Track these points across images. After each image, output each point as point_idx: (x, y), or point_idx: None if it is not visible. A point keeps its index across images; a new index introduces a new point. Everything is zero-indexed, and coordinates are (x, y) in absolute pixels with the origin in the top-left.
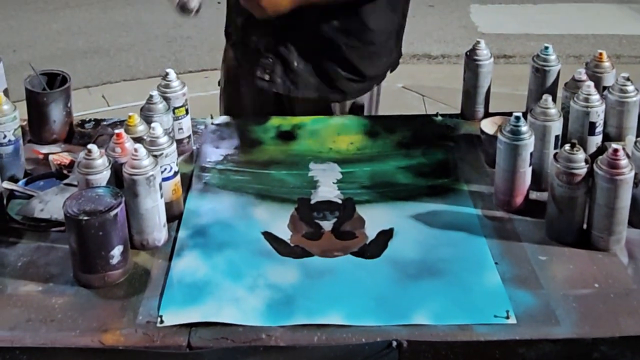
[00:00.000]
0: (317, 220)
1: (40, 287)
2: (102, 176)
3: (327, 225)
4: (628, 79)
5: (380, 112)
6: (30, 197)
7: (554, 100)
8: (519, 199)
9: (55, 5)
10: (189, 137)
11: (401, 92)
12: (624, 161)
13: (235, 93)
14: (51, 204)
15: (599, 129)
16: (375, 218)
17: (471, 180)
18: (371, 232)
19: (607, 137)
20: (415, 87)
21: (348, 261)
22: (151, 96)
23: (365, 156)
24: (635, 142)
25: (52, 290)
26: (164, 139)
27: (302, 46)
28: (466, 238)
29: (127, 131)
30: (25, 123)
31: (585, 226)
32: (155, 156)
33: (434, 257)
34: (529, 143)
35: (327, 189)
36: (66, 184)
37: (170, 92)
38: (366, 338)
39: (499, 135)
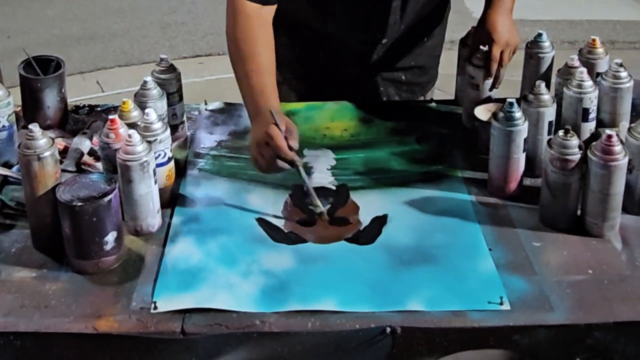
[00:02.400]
0: (311, 207)
1: (34, 273)
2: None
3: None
4: (621, 65)
5: None
6: None
7: (548, 86)
8: (513, 185)
9: None
10: (182, 123)
11: None
12: (617, 147)
13: None
14: None
15: (593, 115)
16: (369, 204)
17: (465, 167)
18: (365, 218)
19: (600, 123)
20: None
21: (342, 247)
22: (145, 82)
23: (359, 142)
24: (629, 128)
25: (46, 277)
26: (158, 125)
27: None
28: (460, 224)
29: (121, 117)
30: (19, 109)
31: (579, 212)
32: (149, 142)
33: (427, 243)
34: (522, 129)
35: (321, 175)
36: (61, 170)
37: (165, 78)
38: (360, 324)
39: (493, 122)
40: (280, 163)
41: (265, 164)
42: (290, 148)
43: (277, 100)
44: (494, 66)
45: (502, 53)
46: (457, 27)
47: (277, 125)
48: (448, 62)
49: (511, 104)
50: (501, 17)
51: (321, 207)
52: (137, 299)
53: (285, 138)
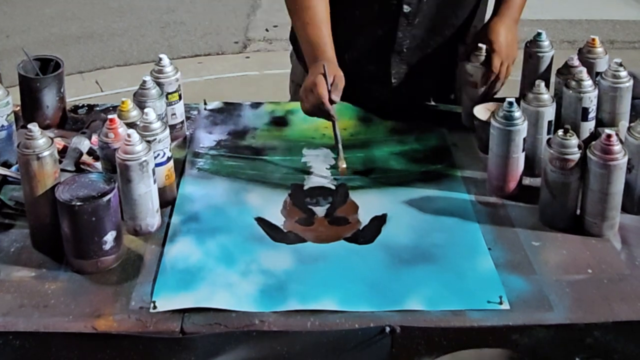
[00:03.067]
0: (310, 206)
1: (33, 272)
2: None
3: (320, 211)
4: (621, 65)
5: None
6: None
7: (547, 85)
8: (512, 185)
9: None
10: (182, 122)
11: None
12: (617, 147)
13: None
14: None
15: (592, 114)
16: (368, 204)
17: (464, 166)
18: (364, 217)
19: (600, 123)
20: None
21: (341, 247)
22: (144, 81)
23: (358, 142)
24: (629, 128)
25: (45, 276)
26: (157, 125)
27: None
28: (459, 224)
29: (120, 116)
30: (18, 108)
31: (578, 212)
32: (148, 141)
33: (427, 242)
34: (522, 129)
35: (321, 175)
36: (60, 169)
37: (164, 78)
38: (359, 324)
39: (492, 121)
40: (318, 112)
41: (309, 108)
42: (332, 101)
43: (331, 51)
44: (492, 77)
45: (500, 65)
46: None
47: (325, 76)
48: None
49: (510, 103)
50: (505, 28)
51: (343, 163)
52: (137, 299)
53: (330, 92)
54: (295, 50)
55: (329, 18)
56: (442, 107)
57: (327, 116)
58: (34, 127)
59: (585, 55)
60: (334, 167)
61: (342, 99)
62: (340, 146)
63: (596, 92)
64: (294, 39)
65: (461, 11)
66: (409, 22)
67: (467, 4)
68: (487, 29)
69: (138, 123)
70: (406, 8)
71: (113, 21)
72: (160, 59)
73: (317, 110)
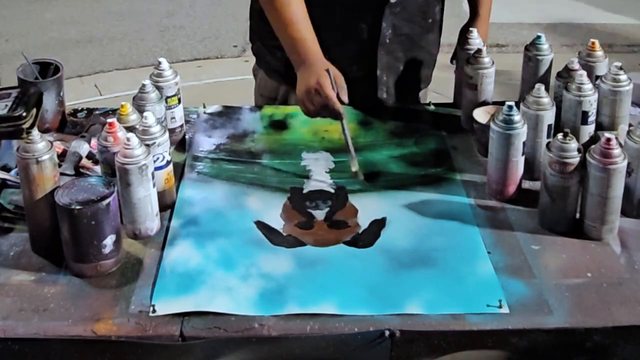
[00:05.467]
0: (309, 210)
1: (32, 276)
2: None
3: (319, 214)
4: (621, 68)
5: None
6: None
7: (547, 89)
8: (512, 188)
9: None
10: (181, 126)
11: None
12: (616, 150)
13: None
14: None
15: (592, 118)
16: (367, 207)
17: (464, 170)
18: (364, 221)
19: (599, 127)
20: None
21: (341, 250)
22: (144, 85)
23: (358, 145)
24: (628, 131)
25: (44, 280)
26: (156, 128)
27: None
28: (459, 227)
29: (119, 120)
30: None
31: (578, 215)
32: (147, 145)
33: (426, 246)
34: (521, 132)
35: (320, 178)
36: (59, 173)
37: (163, 82)
38: (359, 327)
39: (492, 125)
40: (325, 112)
41: (314, 110)
42: (341, 102)
43: (318, 48)
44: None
45: None
46: (455, 30)
47: (330, 75)
48: (446, 64)
49: (510, 107)
50: (483, 26)
51: (357, 165)
52: (136, 303)
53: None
54: (261, 63)
55: (308, 17)
56: (441, 110)
57: (336, 115)
58: (33, 131)
59: (585, 59)
60: (334, 170)
61: None
62: (351, 147)
63: (596, 95)
64: (260, 52)
65: (437, 7)
66: (391, 11)
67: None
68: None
69: (137, 127)
70: None
71: (112, 25)
72: (160, 63)
73: (324, 111)
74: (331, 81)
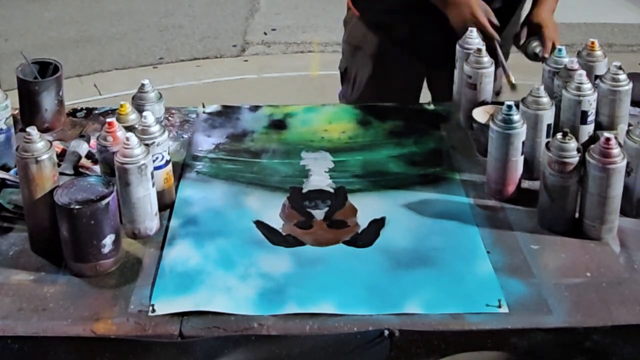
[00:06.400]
0: (309, 209)
1: (32, 276)
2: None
3: (319, 214)
4: (620, 68)
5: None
6: None
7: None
8: (511, 188)
9: None
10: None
11: None
12: (616, 150)
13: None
14: None
15: (591, 117)
16: (367, 207)
17: (463, 169)
18: (363, 221)
19: (599, 126)
20: None
21: (340, 250)
22: (143, 85)
23: (357, 145)
24: (627, 131)
25: (43, 279)
26: (155, 128)
27: None
28: (458, 227)
29: (118, 120)
30: (16, 112)
31: (577, 215)
32: (146, 145)
33: (426, 246)
34: (521, 132)
35: (319, 178)
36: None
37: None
38: (358, 327)
39: (491, 124)
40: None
41: (469, 26)
42: (493, 25)
43: None
44: (548, 53)
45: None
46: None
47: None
48: None
49: (509, 106)
50: (549, 16)
51: (512, 78)
52: (135, 302)
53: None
54: (360, 9)
55: None
56: (440, 109)
57: (490, 38)
58: (32, 130)
59: (585, 59)
60: (333, 170)
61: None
62: (504, 63)
63: (595, 95)
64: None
65: None
66: None
67: None
68: (533, 18)
69: (137, 126)
70: None
71: (111, 25)
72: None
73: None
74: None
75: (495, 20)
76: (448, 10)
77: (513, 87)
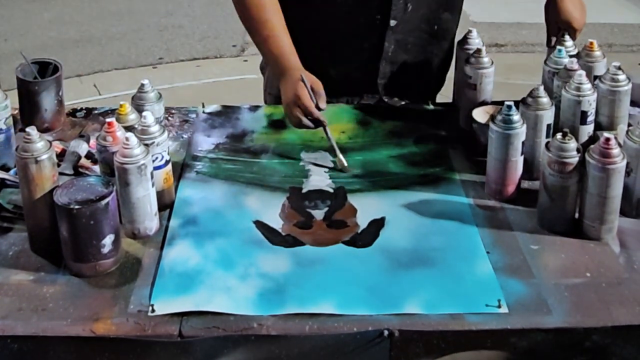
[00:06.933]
0: (308, 209)
1: (31, 276)
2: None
3: (318, 214)
4: (619, 68)
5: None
6: None
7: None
8: (511, 188)
9: None
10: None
11: None
12: (615, 150)
13: None
14: None
15: (591, 118)
16: (366, 207)
17: (463, 169)
18: (363, 221)
19: (598, 126)
20: None
21: (340, 250)
22: (142, 85)
23: (357, 145)
24: (627, 131)
25: (43, 279)
26: (155, 128)
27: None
28: (458, 227)
29: (118, 120)
30: (16, 112)
31: (577, 215)
32: (146, 145)
33: (425, 246)
34: (520, 132)
35: (319, 178)
36: (58, 173)
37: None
38: (358, 327)
39: (491, 124)
40: (307, 122)
41: (296, 121)
42: (318, 108)
43: (296, 58)
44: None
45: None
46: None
47: (305, 85)
48: None
49: (509, 106)
50: (571, 4)
51: (344, 161)
52: (135, 302)
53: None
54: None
55: (286, 29)
56: (440, 109)
57: (318, 123)
58: (32, 130)
59: (584, 59)
60: (333, 170)
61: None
62: (335, 146)
63: (595, 95)
64: None
65: (444, 14)
66: (393, 31)
67: (453, 7)
68: (557, 11)
69: (136, 126)
70: (393, 22)
71: (111, 25)
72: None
73: (304, 121)
74: (308, 90)
75: (323, 104)
76: (280, 85)
77: (344, 168)
